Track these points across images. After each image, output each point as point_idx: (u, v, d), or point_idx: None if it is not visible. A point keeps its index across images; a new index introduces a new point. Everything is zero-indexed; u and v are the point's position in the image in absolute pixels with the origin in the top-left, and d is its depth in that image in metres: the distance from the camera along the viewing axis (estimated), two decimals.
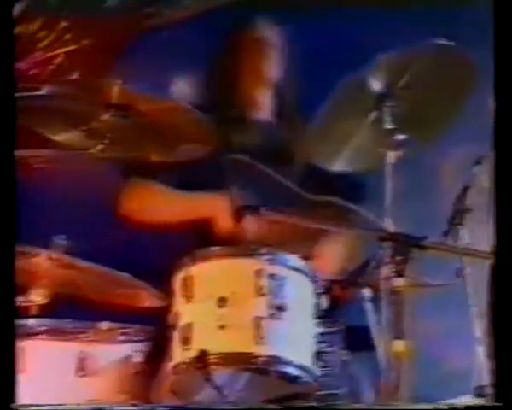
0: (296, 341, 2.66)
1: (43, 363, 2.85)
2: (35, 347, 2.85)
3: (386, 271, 2.64)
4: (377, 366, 2.77)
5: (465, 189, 2.94)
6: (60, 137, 2.77)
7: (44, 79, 3.54)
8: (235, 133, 3.35)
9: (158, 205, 3.26)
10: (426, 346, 2.80)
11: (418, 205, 3.38)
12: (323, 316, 2.73)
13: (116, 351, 2.88)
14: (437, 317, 3.45)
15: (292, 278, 2.70)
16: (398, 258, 2.60)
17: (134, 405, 2.72)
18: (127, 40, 3.83)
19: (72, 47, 3.69)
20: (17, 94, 2.65)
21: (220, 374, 2.64)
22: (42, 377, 2.83)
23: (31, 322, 2.91)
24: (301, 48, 3.41)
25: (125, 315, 2.95)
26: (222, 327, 2.61)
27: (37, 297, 2.99)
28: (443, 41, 2.76)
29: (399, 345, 2.57)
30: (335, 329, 2.85)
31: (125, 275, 2.98)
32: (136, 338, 2.90)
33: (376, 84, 2.86)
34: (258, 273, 2.66)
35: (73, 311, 2.97)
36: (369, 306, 2.88)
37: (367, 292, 2.89)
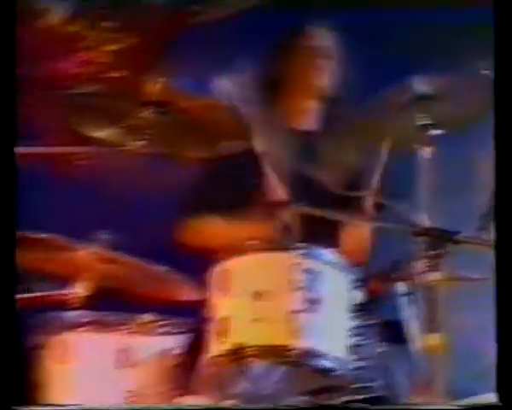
0: (331, 334, 2.61)
1: (85, 354, 2.85)
2: (78, 339, 2.86)
3: (420, 265, 2.60)
4: (412, 359, 2.73)
5: None
6: (100, 134, 2.76)
7: (87, 77, 3.54)
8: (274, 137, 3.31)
9: (211, 235, 3.22)
10: (462, 340, 2.75)
11: (453, 200, 3.33)
12: (358, 310, 2.69)
13: (155, 343, 2.86)
14: (472, 311, 3.41)
15: (326, 272, 2.65)
16: (432, 252, 2.56)
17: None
18: (171, 38, 3.81)
19: (115, 46, 3.68)
20: (59, 92, 2.65)
21: (256, 367, 2.62)
22: (83, 368, 2.83)
23: (74, 314, 2.92)
24: (354, 55, 3.32)
25: (165, 308, 2.93)
26: (257, 320, 2.58)
27: (80, 290, 2.99)
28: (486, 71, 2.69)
29: (434, 339, 2.53)
30: (370, 322, 2.80)
31: (164, 269, 2.96)
32: (174, 331, 2.88)
33: (418, 85, 2.82)
34: (294, 268, 2.62)
35: (115, 304, 2.96)
36: (403, 300, 2.83)
37: (402, 286, 2.85)
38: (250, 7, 3.77)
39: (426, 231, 2.60)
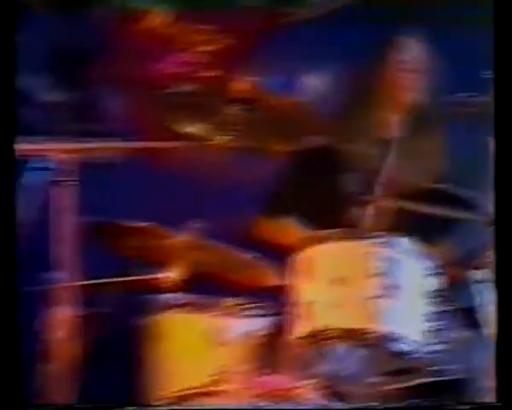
0: (408, 319, 2.62)
1: (179, 334, 2.90)
2: (172, 319, 2.92)
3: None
4: (487, 345, 2.72)
5: None
6: (192, 130, 2.82)
7: (182, 77, 3.60)
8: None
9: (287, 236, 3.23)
10: None
11: None
12: (435, 296, 2.70)
13: (242, 325, 2.89)
14: None
15: (404, 259, 2.66)
16: None
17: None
18: (263, 39, 3.85)
19: (211, 47, 3.74)
20: (157, 91, 2.72)
21: (336, 349, 2.65)
22: (177, 346, 2.88)
23: (170, 297, 2.99)
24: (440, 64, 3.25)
25: (251, 292, 2.97)
26: (339, 305, 2.61)
27: (175, 275, 3.05)
28: None
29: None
30: (446, 308, 2.80)
31: (250, 256, 3.00)
32: (259, 313, 2.90)
33: None
34: (373, 255, 2.63)
35: (206, 288, 3.01)
36: (479, 287, 2.82)
37: (478, 274, 2.84)
38: (340, 7, 3.77)
39: None
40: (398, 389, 2.71)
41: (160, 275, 3.05)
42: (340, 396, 2.71)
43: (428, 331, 2.64)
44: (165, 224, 3.00)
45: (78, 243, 2.82)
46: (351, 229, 2.81)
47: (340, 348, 2.64)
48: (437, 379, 2.69)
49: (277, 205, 3.19)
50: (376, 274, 2.60)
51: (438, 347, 2.67)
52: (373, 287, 2.59)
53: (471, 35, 3.45)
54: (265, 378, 2.76)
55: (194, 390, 2.76)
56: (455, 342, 2.78)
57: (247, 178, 3.30)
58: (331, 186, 3.13)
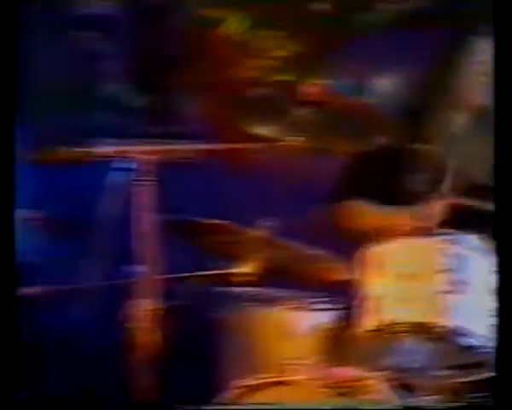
0: (476, 314, 2.59)
1: (251, 326, 2.92)
2: (246, 312, 2.94)
3: None
4: None
5: None
6: (264, 132, 2.83)
7: (256, 81, 3.62)
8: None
9: (364, 220, 3.21)
10: None
11: None
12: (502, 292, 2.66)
13: (312, 317, 2.89)
14: None
15: (472, 256, 2.63)
16: None
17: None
18: (333, 44, 3.84)
19: (284, 52, 3.75)
20: (232, 95, 2.73)
21: (405, 342, 2.63)
22: (249, 338, 2.90)
23: (242, 290, 3.00)
24: None
25: (321, 286, 2.97)
26: (407, 300, 2.58)
27: (248, 269, 3.07)
28: None
29: None
30: None
31: (320, 252, 3.00)
32: (329, 307, 2.91)
33: None
34: (441, 252, 2.61)
35: (277, 282, 3.02)
36: None
37: None
38: (411, 10, 3.73)
39: None
40: (464, 382, 2.67)
41: (234, 270, 3.07)
42: (407, 389, 2.70)
43: (495, 326, 2.60)
44: (239, 221, 3.02)
45: (159, 239, 2.85)
46: (419, 226, 2.79)
47: (408, 341, 2.61)
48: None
49: (345, 203, 3.18)
50: (444, 270, 2.57)
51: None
52: (441, 282, 2.56)
53: None
54: (334, 370, 2.75)
55: (265, 380, 2.77)
56: None
57: (316, 177, 3.30)
58: (400, 184, 3.11)
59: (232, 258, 3.07)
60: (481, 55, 3.14)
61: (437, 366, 2.64)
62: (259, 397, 2.71)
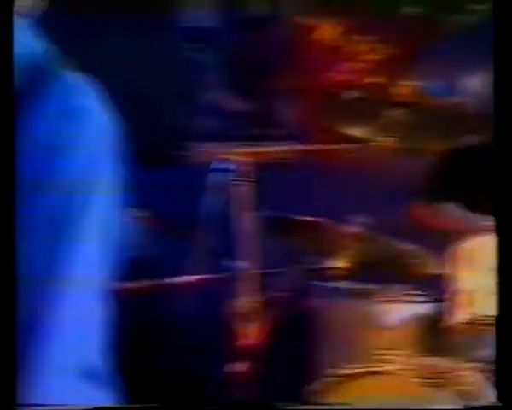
0: None
1: (343, 319, 2.94)
2: (338, 305, 2.96)
3: None
4: None
5: None
6: (356, 132, 2.85)
7: (349, 84, 3.63)
8: None
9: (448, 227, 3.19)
10: None
11: None
12: None
13: (404, 310, 2.89)
14: None
15: None
16: None
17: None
18: (423, 46, 3.82)
19: (375, 56, 3.75)
20: (325, 99, 2.74)
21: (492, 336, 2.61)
22: (341, 329, 2.93)
23: (336, 284, 3.02)
24: None
25: (413, 280, 2.96)
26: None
27: (342, 264, 3.08)
28: None
29: None
30: None
31: (411, 247, 3.00)
32: (420, 300, 2.90)
33: None
34: None
35: (370, 276, 3.03)
36: None
37: None
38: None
39: None
40: None
41: (329, 264, 3.09)
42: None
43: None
44: (333, 218, 3.04)
45: (257, 236, 2.89)
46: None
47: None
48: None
49: (436, 199, 3.17)
50: None
51: None
52: None
53: None
54: (426, 361, 2.75)
55: (359, 371, 2.79)
56: None
57: (407, 176, 3.30)
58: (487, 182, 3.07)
59: (327, 253, 3.09)
60: None
61: None
62: (353, 387, 2.73)
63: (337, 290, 2.96)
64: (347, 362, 2.80)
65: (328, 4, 3.66)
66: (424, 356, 2.77)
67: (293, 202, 3.35)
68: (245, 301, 2.90)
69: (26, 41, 1.21)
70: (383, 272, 3.05)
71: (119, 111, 1.22)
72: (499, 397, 1.39)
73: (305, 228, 3.09)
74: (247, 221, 2.92)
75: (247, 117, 3.67)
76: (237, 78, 3.83)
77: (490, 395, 2.60)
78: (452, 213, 3.13)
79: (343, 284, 2.99)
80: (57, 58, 1.22)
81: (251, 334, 2.90)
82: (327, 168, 3.28)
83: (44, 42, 1.23)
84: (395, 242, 3.00)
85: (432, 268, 2.98)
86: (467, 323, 2.61)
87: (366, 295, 2.91)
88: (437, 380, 2.66)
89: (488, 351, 2.64)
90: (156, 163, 3.08)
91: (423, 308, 2.89)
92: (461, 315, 2.63)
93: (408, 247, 2.99)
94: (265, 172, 3.01)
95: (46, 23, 1.25)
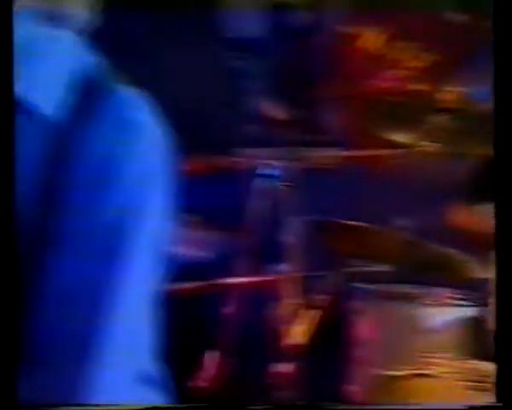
0: None
1: (388, 321, 2.93)
2: (383, 307, 2.95)
3: None
4: None
5: None
6: (400, 138, 2.85)
7: (392, 91, 3.62)
8: None
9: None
10: None
11: None
12: None
13: (448, 313, 2.86)
14: None
15: None
16: None
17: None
18: (468, 52, 3.80)
19: (419, 63, 3.73)
20: (369, 105, 2.74)
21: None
22: (385, 332, 2.91)
23: (380, 287, 3.01)
24: None
25: (456, 284, 2.94)
26: None
27: (386, 267, 3.08)
28: None
29: None
30: None
31: (457, 251, 2.97)
32: (464, 304, 2.88)
33: None
34: None
35: (414, 279, 3.02)
36: None
37: None
38: None
39: None
40: None
41: (373, 268, 3.09)
42: None
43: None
44: (376, 222, 3.03)
45: (302, 239, 2.90)
46: None
47: None
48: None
49: (480, 204, 3.15)
50: None
51: None
52: None
53: None
54: (470, 364, 2.73)
55: (404, 373, 2.78)
56: None
57: (451, 180, 3.28)
58: None
59: (370, 256, 3.09)
60: None
61: None
62: (398, 389, 2.72)
63: (381, 293, 2.96)
64: (391, 365, 2.79)
65: (372, 12, 3.66)
66: (468, 359, 2.75)
67: (338, 207, 3.35)
68: (289, 303, 2.91)
69: (80, 56, 1.24)
70: (427, 276, 3.04)
71: (169, 122, 1.24)
72: (499, 397, 1.38)
73: (348, 232, 3.09)
74: (291, 225, 2.93)
75: (292, 124, 3.68)
76: (282, 86, 3.84)
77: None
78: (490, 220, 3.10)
79: (387, 288, 2.98)
80: (110, 72, 1.24)
81: (296, 335, 2.91)
82: (371, 173, 3.28)
83: (97, 57, 1.25)
84: (439, 245, 2.98)
85: (476, 272, 2.96)
86: None
87: (410, 298, 2.89)
88: (481, 384, 2.65)
89: None
90: (205, 169, 3.10)
91: (467, 312, 2.86)
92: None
93: (452, 251, 2.97)
94: (310, 178, 3.02)
95: (99, 38, 1.27)
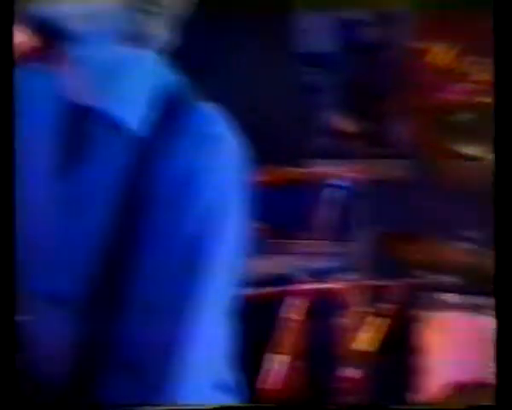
0: None
1: (455, 330, 2.91)
2: (449, 317, 2.93)
3: None
4: None
5: None
6: (469, 151, 2.84)
7: (459, 104, 3.60)
8: None
9: None
10: None
11: None
12: None
13: None
14: None
15: None
16: None
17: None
18: None
19: (483, 76, 3.71)
20: (438, 118, 2.73)
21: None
22: (452, 342, 2.91)
23: (446, 297, 2.99)
24: None
25: None
26: None
27: (452, 279, 3.06)
28: None
29: None
30: None
31: None
32: None
33: None
34: None
35: (480, 290, 2.99)
36: None
37: None
38: None
39: None
40: None
41: (439, 278, 3.07)
42: None
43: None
44: (443, 233, 3.01)
45: (370, 249, 2.90)
46: None
47: None
48: None
49: None
50: None
51: None
52: None
53: None
54: None
55: (469, 381, 2.76)
56: None
57: None
58: None
59: (437, 267, 3.07)
60: None
61: None
62: (462, 397, 2.70)
63: (447, 304, 2.94)
64: (456, 374, 2.78)
65: (441, 27, 3.65)
66: None
67: (406, 218, 3.34)
68: (357, 310, 2.91)
69: (162, 74, 1.27)
70: (493, 286, 3.01)
71: (244, 135, 1.26)
72: (499, 397, 1.36)
73: (416, 242, 3.08)
74: (360, 235, 2.94)
75: (361, 137, 3.69)
76: (352, 99, 3.85)
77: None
78: None
79: (453, 298, 2.96)
80: (189, 89, 1.28)
81: (363, 342, 2.91)
82: (439, 185, 3.27)
83: (177, 74, 1.29)
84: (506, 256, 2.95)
85: None
86: None
87: (477, 308, 2.88)
88: None
89: None
90: (277, 180, 3.13)
91: None
92: None
93: None
94: (379, 189, 3.02)
95: (177, 56, 1.31)
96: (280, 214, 3.17)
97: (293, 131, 3.70)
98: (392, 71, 3.74)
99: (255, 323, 2.79)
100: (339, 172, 3.08)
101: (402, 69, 3.73)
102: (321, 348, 3.03)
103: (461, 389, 2.76)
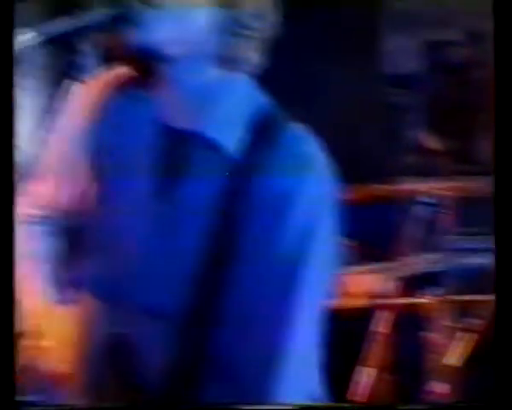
0: None
1: None
2: None
3: None
4: None
5: None
6: None
7: None
8: None
9: None
10: None
11: None
12: None
13: None
14: None
15: None
16: None
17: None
18: None
19: None
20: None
21: None
22: None
23: None
24: None
25: None
26: None
27: None
28: None
29: None
30: None
31: None
32: None
33: None
34: None
35: None
36: None
37: None
38: None
39: None
40: None
41: None
42: None
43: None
44: None
45: (458, 264, 2.86)
46: None
47: None
48: None
49: None
50: None
51: None
52: None
53: None
54: None
55: None
56: None
57: None
58: None
59: None
60: None
61: None
62: None
63: None
64: None
65: None
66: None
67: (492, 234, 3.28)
68: (445, 325, 2.87)
69: (254, 97, 1.29)
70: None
71: (334, 155, 1.27)
72: (499, 397, 1.30)
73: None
74: (447, 251, 2.90)
75: (448, 154, 3.65)
76: (438, 118, 3.81)
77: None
78: None
79: None
80: (280, 111, 1.29)
81: (451, 357, 2.87)
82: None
83: (268, 97, 1.30)
84: None
85: None
86: None
87: None
88: None
89: None
90: (364, 198, 3.12)
91: None
92: None
93: None
94: (465, 206, 2.97)
95: (268, 79, 1.32)
96: (369, 231, 3.16)
97: (381, 149, 3.68)
98: (480, 89, 3.69)
99: (346, 336, 2.78)
100: (426, 189, 3.05)
101: (488, 88, 3.68)
102: (409, 361, 3.00)
103: None
